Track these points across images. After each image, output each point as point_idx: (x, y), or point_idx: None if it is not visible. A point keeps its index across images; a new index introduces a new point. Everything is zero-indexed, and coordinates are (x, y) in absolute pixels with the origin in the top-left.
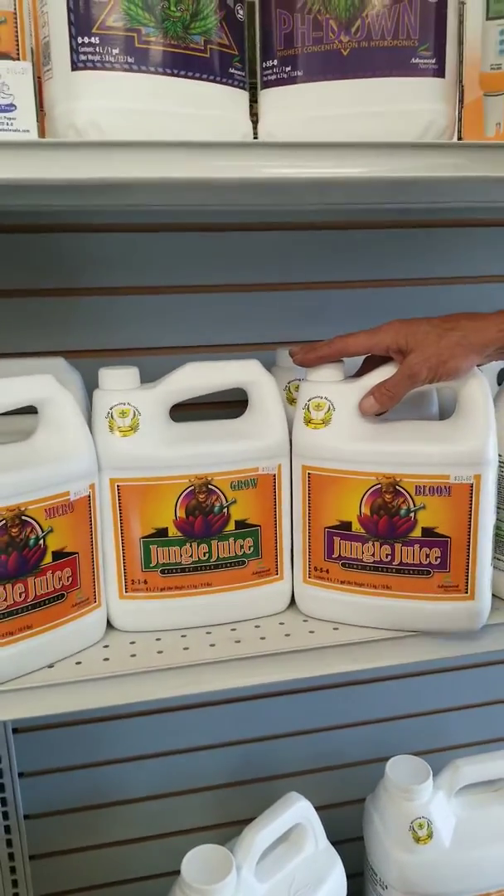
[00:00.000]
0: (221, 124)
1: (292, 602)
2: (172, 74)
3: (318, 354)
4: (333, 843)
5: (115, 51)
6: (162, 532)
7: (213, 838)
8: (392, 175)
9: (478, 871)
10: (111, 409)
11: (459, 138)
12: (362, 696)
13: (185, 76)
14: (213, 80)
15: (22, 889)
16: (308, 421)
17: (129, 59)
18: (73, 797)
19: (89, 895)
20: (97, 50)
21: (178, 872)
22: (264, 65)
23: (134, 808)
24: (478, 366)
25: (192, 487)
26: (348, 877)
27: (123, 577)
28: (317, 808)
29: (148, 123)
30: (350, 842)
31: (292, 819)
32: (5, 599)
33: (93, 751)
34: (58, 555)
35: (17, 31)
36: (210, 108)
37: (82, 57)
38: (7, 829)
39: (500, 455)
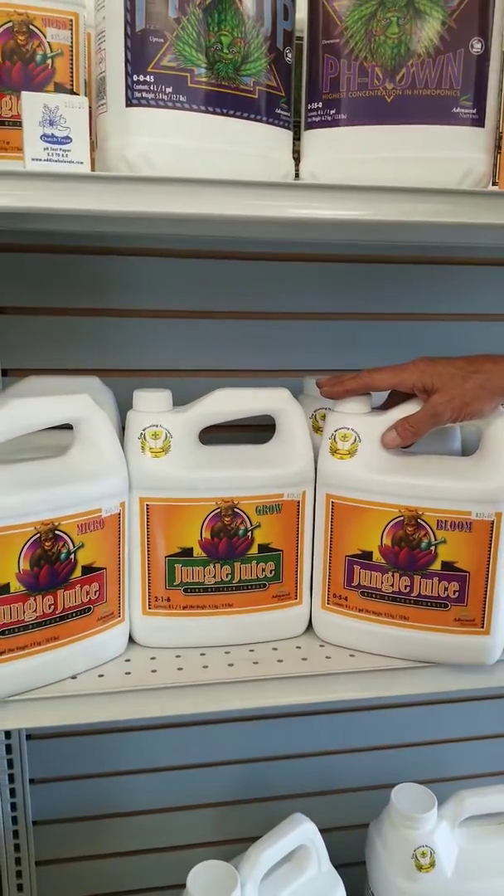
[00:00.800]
0: (265, 163)
1: (309, 626)
2: (222, 114)
3: (345, 388)
4: (335, 867)
5: (169, 89)
6: (187, 552)
7: (216, 854)
8: (429, 220)
9: None
10: (144, 430)
11: (495, 185)
12: (370, 722)
13: (234, 115)
14: (260, 121)
15: (27, 893)
16: (334, 451)
17: (182, 98)
18: (81, 806)
19: None
20: (151, 88)
21: (181, 886)
22: (309, 106)
23: (140, 820)
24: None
25: (219, 510)
26: None
27: (147, 594)
28: (320, 831)
29: (196, 160)
30: (351, 866)
31: (297, 840)
32: (35, 611)
33: (102, 761)
34: (87, 569)
35: (72, 64)
36: (256, 146)
37: (137, 94)
38: (15, 834)
39: None
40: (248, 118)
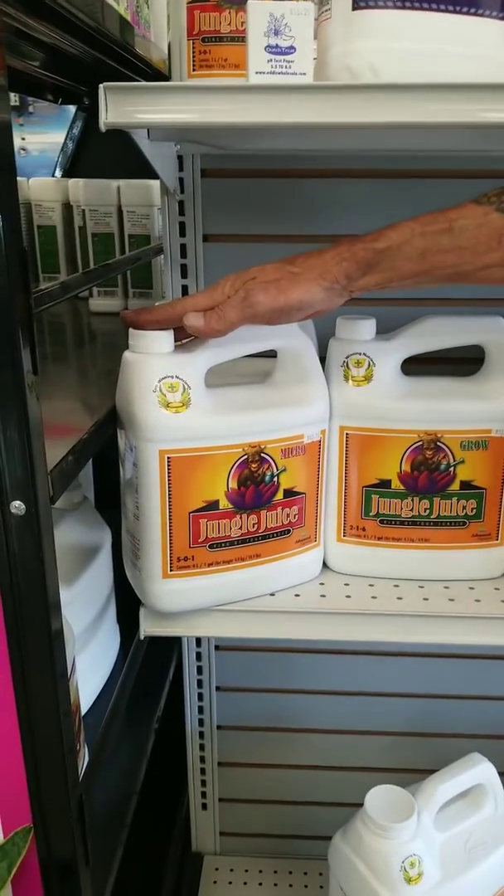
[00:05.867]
0: (501, 64)
1: None
2: (455, 11)
3: (154, 317)
4: None
5: None
6: (385, 483)
7: (386, 780)
8: None
9: None
10: (347, 358)
11: None
12: None
13: (466, 12)
14: (496, 17)
15: (209, 790)
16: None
17: None
18: (262, 717)
19: (267, 808)
20: None
21: (351, 805)
22: None
23: (316, 738)
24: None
25: (421, 443)
26: None
27: (343, 522)
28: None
29: (426, 65)
30: None
31: (474, 778)
32: (241, 528)
33: (282, 678)
34: (288, 493)
35: None
36: (491, 47)
37: None
38: (201, 735)
39: None
40: (481, 14)
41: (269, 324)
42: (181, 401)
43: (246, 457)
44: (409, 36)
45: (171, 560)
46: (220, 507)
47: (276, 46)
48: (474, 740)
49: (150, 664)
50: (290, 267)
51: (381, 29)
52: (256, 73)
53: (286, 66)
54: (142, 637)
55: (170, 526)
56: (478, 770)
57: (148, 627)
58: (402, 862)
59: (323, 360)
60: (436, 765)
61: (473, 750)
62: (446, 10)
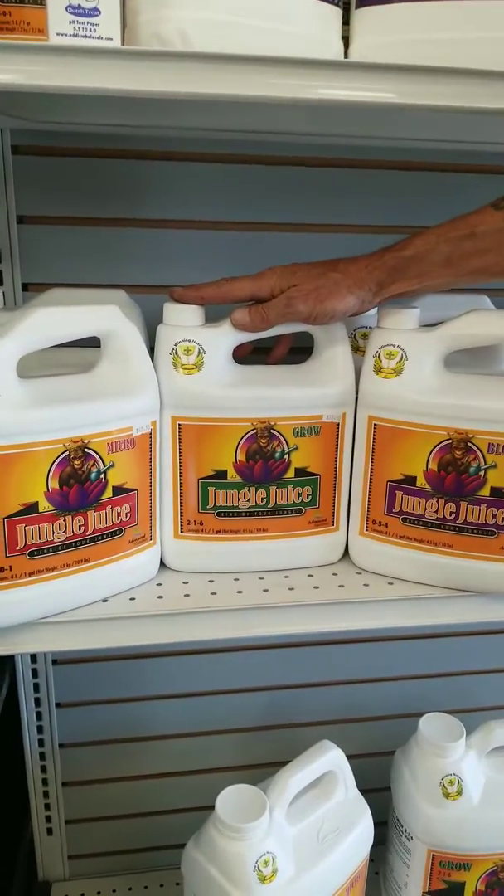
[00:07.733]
0: (312, 42)
1: (345, 554)
2: None
3: (200, 294)
4: (360, 792)
5: None
6: (221, 474)
7: (242, 779)
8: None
9: None
10: (176, 345)
11: None
12: (398, 652)
13: None
14: None
15: (54, 813)
16: (378, 370)
17: None
18: (108, 730)
19: (119, 823)
20: None
21: (207, 808)
22: None
23: (166, 744)
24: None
25: (254, 431)
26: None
27: (180, 518)
28: (346, 757)
29: (238, 37)
30: (375, 791)
31: (325, 766)
32: (65, 531)
33: (128, 686)
34: (118, 490)
35: None
36: (301, 24)
37: None
38: (42, 757)
39: None
40: None
41: (309, 324)
42: None
43: (67, 453)
44: (222, 6)
45: None
46: (40, 510)
47: (79, 7)
48: (324, 727)
49: None
50: (331, 273)
51: None
52: (58, 34)
53: (91, 30)
54: None
55: None
56: (328, 757)
57: None
58: (256, 862)
59: (151, 349)
60: (289, 756)
61: (324, 737)
62: None
